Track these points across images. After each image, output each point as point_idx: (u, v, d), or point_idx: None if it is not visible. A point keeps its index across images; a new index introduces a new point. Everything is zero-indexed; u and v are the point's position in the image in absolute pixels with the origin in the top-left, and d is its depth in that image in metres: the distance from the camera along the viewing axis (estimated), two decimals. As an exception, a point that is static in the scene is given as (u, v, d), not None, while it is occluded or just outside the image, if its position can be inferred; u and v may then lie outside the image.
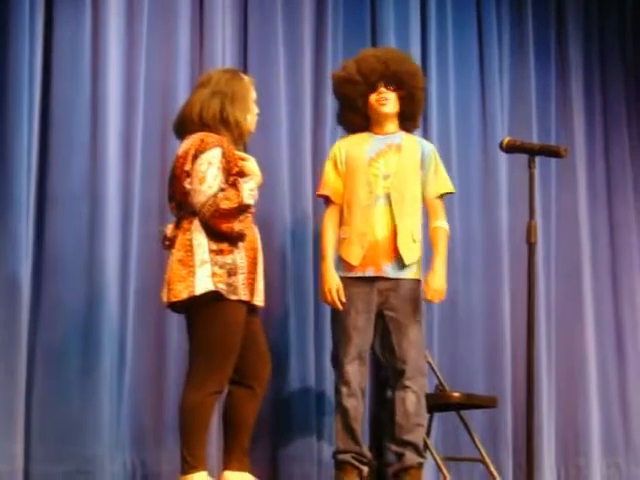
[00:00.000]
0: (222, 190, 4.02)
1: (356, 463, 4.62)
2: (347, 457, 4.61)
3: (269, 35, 5.42)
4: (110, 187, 4.85)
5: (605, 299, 6.29)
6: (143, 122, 5.01)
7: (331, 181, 4.73)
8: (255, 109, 4.32)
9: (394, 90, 4.71)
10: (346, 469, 4.61)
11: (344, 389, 4.59)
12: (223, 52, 5.25)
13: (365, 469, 4.66)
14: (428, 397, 5.03)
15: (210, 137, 4.09)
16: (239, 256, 4.06)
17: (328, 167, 4.77)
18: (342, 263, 4.67)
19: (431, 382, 5.25)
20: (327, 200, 4.73)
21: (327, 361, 5.17)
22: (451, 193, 4.88)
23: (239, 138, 4.20)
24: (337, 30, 5.64)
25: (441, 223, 4.76)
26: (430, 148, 4.86)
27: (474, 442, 5.10)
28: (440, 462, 4.99)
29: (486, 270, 5.91)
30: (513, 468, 5.72)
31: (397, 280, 4.64)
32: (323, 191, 4.75)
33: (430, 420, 5.16)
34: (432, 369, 5.23)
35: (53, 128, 4.82)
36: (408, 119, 4.82)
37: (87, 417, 4.68)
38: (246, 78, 4.35)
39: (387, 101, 4.71)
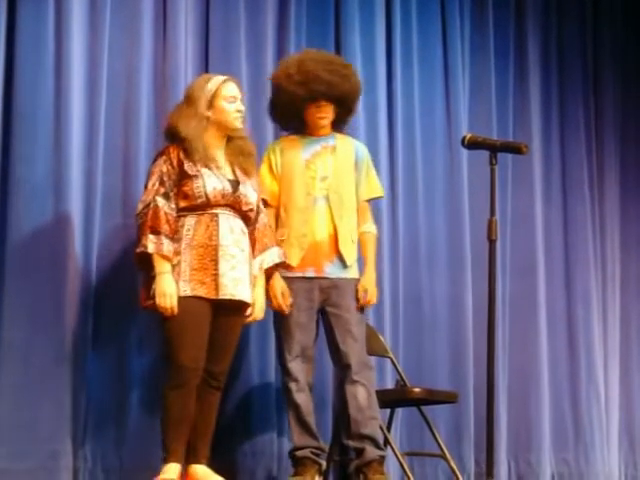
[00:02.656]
0: (166, 197, 4.21)
1: (314, 458, 4.62)
2: (306, 452, 4.61)
3: (231, 26, 5.38)
4: (73, 178, 4.78)
5: (559, 297, 6.34)
6: (105, 113, 4.94)
7: (267, 184, 4.73)
8: (228, 106, 4.37)
9: (333, 104, 4.77)
10: (305, 464, 4.61)
11: (293, 385, 4.62)
12: (185, 43, 5.20)
13: (324, 463, 4.67)
14: (389, 393, 5.07)
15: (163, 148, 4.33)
16: (183, 257, 4.20)
17: (263, 170, 4.76)
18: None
19: (393, 378, 5.27)
20: (265, 203, 4.70)
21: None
22: (379, 197, 4.98)
23: (191, 149, 4.26)
24: (300, 23, 5.60)
25: (369, 227, 4.85)
26: (363, 150, 4.92)
27: (435, 438, 5.12)
28: (401, 458, 5.00)
29: (450, 267, 5.93)
30: (474, 464, 5.75)
31: (338, 279, 4.68)
32: (262, 195, 4.71)
33: (391, 415, 5.18)
34: (393, 365, 5.24)
35: (16, 119, 4.73)
36: (341, 123, 4.90)
37: (48, 413, 4.62)
38: (206, 77, 4.46)
39: (326, 115, 4.79)
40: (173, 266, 4.19)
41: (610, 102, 6.67)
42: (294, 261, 4.65)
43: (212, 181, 4.27)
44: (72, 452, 4.65)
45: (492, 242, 4.04)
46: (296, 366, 4.62)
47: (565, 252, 6.41)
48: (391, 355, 5.22)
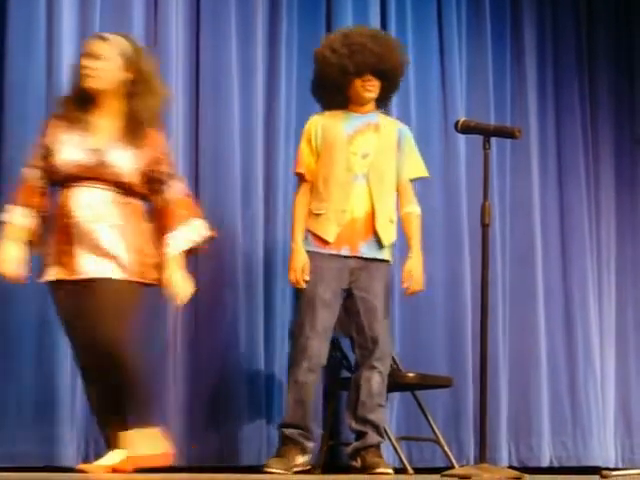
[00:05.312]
0: (32, 168, 4.02)
1: (302, 440, 4.56)
2: (294, 433, 4.55)
3: (222, 13, 5.35)
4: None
5: (556, 281, 6.35)
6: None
7: (305, 158, 4.67)
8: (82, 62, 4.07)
9: (380, 79, 4.68)
10: (289, 445, 4.55)
11: (305, 363, 4.53)
12: (176, 30, 5.18)
13: (310, 446, 4.62)
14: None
15: None
16: (49, 236, 4.01)
17: (303, 144, 4.71)
18: (314, 238, 4.61)
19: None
20: (301, 177, 4.67)
21: (277, 342, 5.22)
22: (425, 177, 4.87)
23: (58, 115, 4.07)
24: (291, 9, 5.59)
25: (413, 208, 4.75)
26: (406, 130, 4.84)
27: (429, 422, 5.12)
28: (396, 443, 5.00)
29: (448, 251, 5.94)
30: (474, 448, 5.75)
31: (370, 260, 4.61)
32: (299, 169, 4.68)
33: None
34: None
35: (7, 105, 4.74)
36: (384, 100, 4.82)
37: (43, 398, 4.62)
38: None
39: (373, 88, 4.68)
40: (41, 245, 4.00)
41: (605, 86, 6.66)
42: (331, 237, 4.57)
43: (68, 151, 3.97)
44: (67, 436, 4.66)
45: (486, 227, 4.03)
46: (315, 344, 4.52)
47: (562, 237, 6.41)
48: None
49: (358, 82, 4.65)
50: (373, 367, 4.58)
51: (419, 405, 5.15)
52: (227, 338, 5.13)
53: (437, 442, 5.11)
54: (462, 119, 4.19)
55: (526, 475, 3.76)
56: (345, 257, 4.59)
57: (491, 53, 6.25)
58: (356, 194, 4.60)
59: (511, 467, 5.47)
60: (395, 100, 5.74)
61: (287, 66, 5.53)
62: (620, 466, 6.23)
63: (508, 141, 5.82)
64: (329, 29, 5.64)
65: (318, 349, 4.54)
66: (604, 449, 6.28)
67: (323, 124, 4.69)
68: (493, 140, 4.07)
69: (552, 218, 6.39)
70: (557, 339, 6.29)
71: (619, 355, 6.45)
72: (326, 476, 4.78)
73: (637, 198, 6.67)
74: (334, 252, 4.59)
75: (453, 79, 6.08)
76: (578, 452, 6.22)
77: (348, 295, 4.64)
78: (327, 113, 4.76)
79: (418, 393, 5.18)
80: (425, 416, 5.13)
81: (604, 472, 3.92)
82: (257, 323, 5.21)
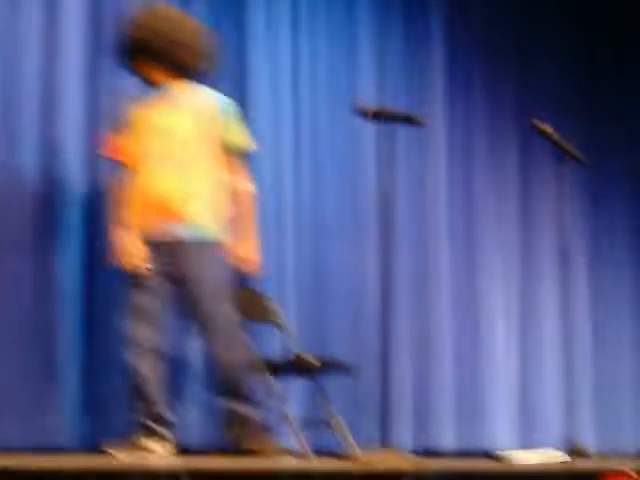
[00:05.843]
0: None
1: (154, 426, 4.51)
2: (146, 421, 4.50)
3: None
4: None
5: (461, 267, 6.36)
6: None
7: (120, 144, 4.62)
8: None
9: (148, 59, 4.63)
10: (146, 433, 4.50)
11: (136, 349, 4.47)
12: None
13: (166, 432, 4.55)
14: (281, 362, 5.03)
15: None
16: None
17: (116, 130, 4.65)
18: (127, 225, 4.54)
19: (286, 348, 5.26)
20: (118, 163, 4.61)
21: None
22: (247, 150, 4.76)
23: None
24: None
25: (241, 184, 4.69)
26: (225, 101, 4.73)
27: (327, 408, 5.12)
28: (295, 427, 4.98)
29: (351, 237, 5.92)
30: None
31: (186, 240, 4.54)
32: (115, 155, 4.63)
33: (284, 385, 5.15)
34: (287, 334, 5.22)
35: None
36: (183, 70, 4.69)
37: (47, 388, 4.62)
38: None
39: (147, 72, 4.66)
40: None
41: (510, 65, 6.63)
42: (141, 220, 4.52)
43: None
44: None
45: (388, 213, 4.05)
46: (139, 330, 4.46)
47: (467, 224, 6.43)
48: (285, 324, 5.20)
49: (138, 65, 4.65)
50: (212, 338, 4.52)
51: (319, 391, 5.14)
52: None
53: (336, 428, 5.11)
54: (368, 105, 4.19)
55: (426, 460, 3.78)
56: (159, 239, 4.53)
57: (401, 38, 6.24)
58: (166, 175, 4.52)
59: (415, 452, 5.51)
60: (305, 86, 5.76)
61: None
62: (520, 449, 6.32)
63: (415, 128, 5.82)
64: (242, 18, 5.67)
65: (144, 334, 4.48)
66: (505, 433, 6.35)
67: (133, 109, 4.65)
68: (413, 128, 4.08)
69: (458, 205, 6.39)
70: (460, 326, 6.29)
71: (520, 341, 6.51)
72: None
73: (541, 183, 6.69)
74: (148, 236, 4.53)
75: (360, 64, 6.06)
76: (480, 436, 6.25)
77: (170, 275, 4.55)
78: (134, 99, 4.71)
79: (322, 379, 5.17)
80: (324, 402, 5.12)
81: (500, 455, 3.98)
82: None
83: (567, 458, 4.27)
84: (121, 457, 4.23)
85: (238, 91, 5.54)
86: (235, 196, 4.66)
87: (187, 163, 4.54)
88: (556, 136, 5.07)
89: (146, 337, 4.47)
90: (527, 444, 6.31)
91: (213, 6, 5.61)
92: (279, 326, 5.23)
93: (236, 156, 4.70)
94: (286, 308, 5.48)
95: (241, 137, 4.73)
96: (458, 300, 6.32)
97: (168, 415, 4.57)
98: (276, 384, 4.96)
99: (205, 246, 4.55)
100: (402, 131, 5.59)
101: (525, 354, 6.50)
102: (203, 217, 4.55)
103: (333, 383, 5.24)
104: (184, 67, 4.64)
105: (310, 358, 5.00)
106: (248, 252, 4.66)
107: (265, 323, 5.14)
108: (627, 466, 3.19)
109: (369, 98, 5.94)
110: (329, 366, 5.09)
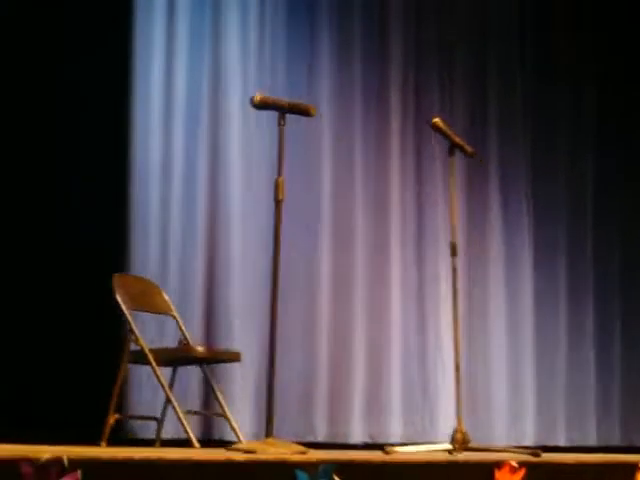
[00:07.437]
0: None
1: None
2: None
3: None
4: None
5: (411, 269, 6.52)
6: None
7: None
8: None
9: None
10: None
11: None
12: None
13: None
14: (171, 351, 5.02)
15: None
16: None
17: None
18: None
19: (175, 337, 5.24)
20: None
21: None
22: None
23: None
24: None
25: None
26: None
27: (216, 397, 5.12)
28: (182, 416, 4.96)
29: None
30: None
31: None
32: None
33: (173, 374, 5.13)
34: (177, 323, 5.21)
35: None
36: None
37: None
38: None
39: None
40: None
41: (398, 48, 6.66)
42: None
43: None
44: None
45: (278, 202, 4.03)
46: None
47: (417, 227, 6.56)
48: (174, 313, 5.19)
49: None
50: None
51: (207, 379, 5.14)
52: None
53: (225, 417, 5.11)
54: (258, 95, 4.18)
55: (309, 449, 3.79)
56: None
57: (287, 27, 6.25)
58: None
59: (366, 444, 5.81)
60: (187, 74, 5.73)
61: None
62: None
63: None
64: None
65: None
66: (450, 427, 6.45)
67: None
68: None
69: (409, 209, 6.52)
70: (410, 324, 6.47)
71: (467, 339, 6.57)
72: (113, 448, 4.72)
73: (486, 185, 6.78)
74: None
75: (254, 53, 6.08)
76: (426, 429, 6.41)
77: None
78: None
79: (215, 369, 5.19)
80: (213, 391, 5.13)
81: (387, 448, 4.03)
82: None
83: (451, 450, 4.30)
84: None
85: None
86: None
87: None
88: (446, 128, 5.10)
89: None
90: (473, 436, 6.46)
91: None
92: (171, 316, 5.21)
93: None
94: (184, 299, 5.55)
95: None
96: (408, 301, 6.50)
97: None
98: (164, 373, 4.94)
99: None
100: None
101: (470, 351, 6.56)
102: None
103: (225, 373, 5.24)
104: None
105: (198, 347, 5.00)
106: None
107: (157, 314, 5.11)
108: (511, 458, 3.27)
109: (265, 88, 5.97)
110: (218, 355, 5.10)
